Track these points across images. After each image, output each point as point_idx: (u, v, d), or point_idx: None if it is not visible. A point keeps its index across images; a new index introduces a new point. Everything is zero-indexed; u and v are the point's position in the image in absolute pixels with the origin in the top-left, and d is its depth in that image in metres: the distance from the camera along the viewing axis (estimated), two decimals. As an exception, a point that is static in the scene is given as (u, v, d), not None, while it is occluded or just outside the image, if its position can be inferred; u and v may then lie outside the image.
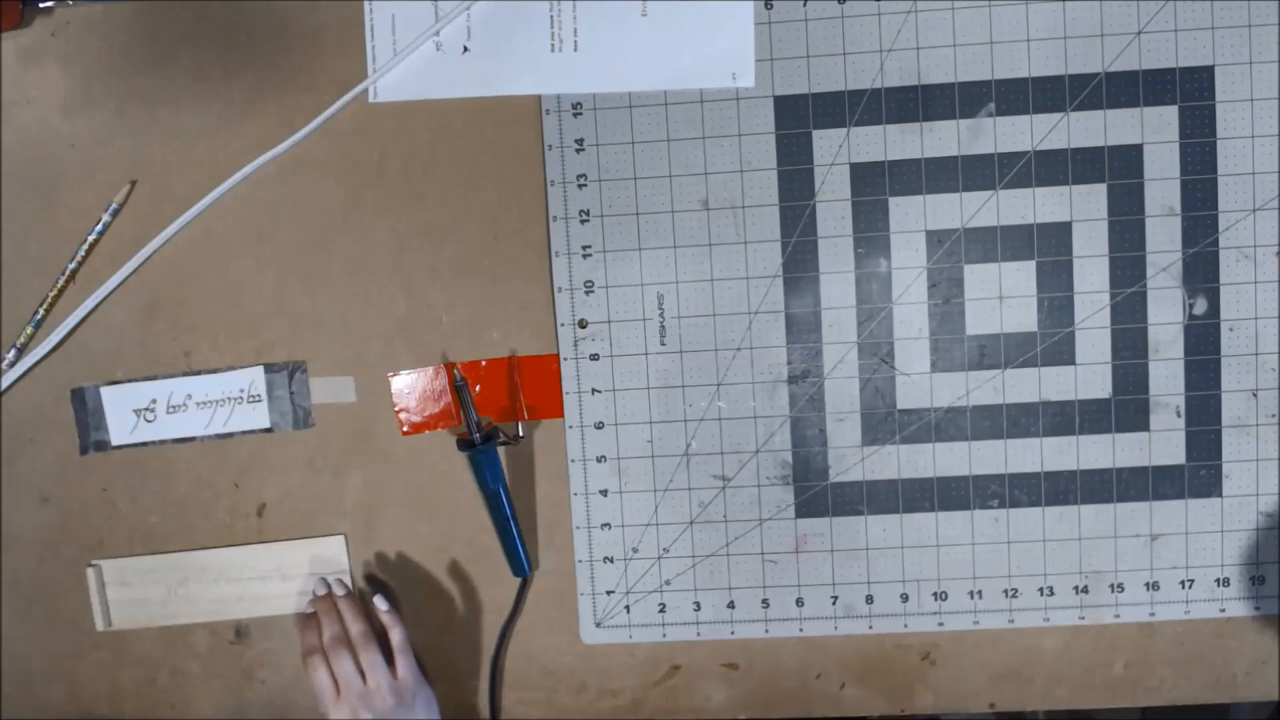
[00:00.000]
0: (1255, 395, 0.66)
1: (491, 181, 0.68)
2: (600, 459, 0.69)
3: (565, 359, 0.68)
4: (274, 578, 0.71)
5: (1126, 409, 0.66)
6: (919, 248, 0.66)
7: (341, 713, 0.64)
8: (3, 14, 0.67)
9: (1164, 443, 0.67)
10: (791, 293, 0.67)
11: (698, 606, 0.70)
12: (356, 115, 0.68)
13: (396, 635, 0.67)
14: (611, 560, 0.70)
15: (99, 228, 0.69)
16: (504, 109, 0.67)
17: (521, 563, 0.69)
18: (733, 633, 0.70)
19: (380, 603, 0.68)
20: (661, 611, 0.70)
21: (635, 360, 0.68)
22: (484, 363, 0.69)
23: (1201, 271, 0.65)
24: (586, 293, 0.68)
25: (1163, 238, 0.65)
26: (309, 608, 0.69)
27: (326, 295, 0.69)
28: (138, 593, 0.71)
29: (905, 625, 0.69)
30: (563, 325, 0.68)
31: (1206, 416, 0.66)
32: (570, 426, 0.69)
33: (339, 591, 0.69)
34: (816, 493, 0.68)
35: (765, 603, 0.69)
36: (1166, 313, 0.66)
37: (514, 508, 0.68)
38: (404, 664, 0.67)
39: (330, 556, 0.70)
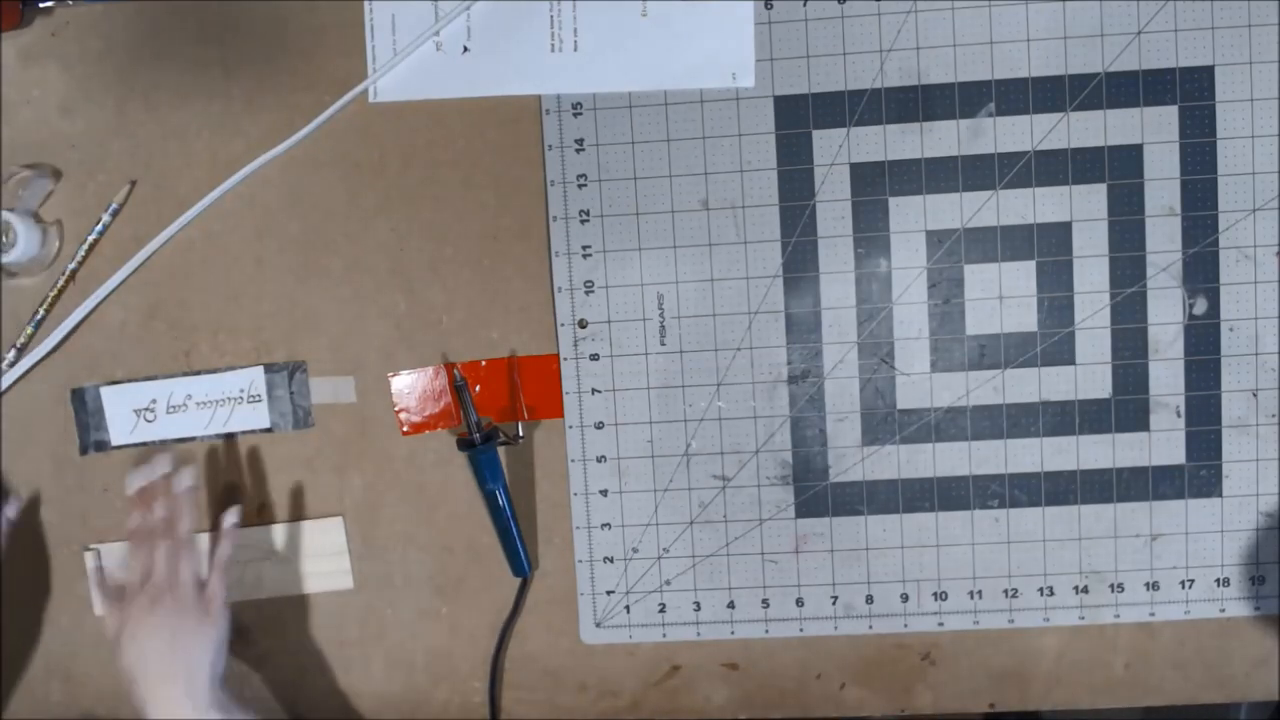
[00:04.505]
0: (1255, 395, 0.66)
1: (491, 181, 0.68)
2: (600, 459, 0.69)
3: (565, 359, 0.68)
4: (272, 559, 0.71)
5: (1126, 409, 0.66)
6: (919, 248, 0.66)
7: (140, 602, 0.61)
8: (3, 14, 0.67)
9: (1164, 443, 0.67)
10: (791, 293, 0.67)
11: (698, 606, 0.70)
12: (356, 115, 0.68)
13: (224, 551, 0.65)
14: (611, 560, 0.70)
15: (99, 228, 0.69)
16: (504, 109, 0.67)
17: (521, 563, 0.69)
18: (733, 633, 0.70)
19: (231, 515, 0.66)
20: (661, 611, 0.70)
21: (635, 360, 0.68)
22: (484, 363, 0.69)
23: (1201, 271, 0.65)
24: (586, 293, 0.68)
25: (1163, 238, 0.65)
26: (139, 479, 0.65)
27: (326, 295, 0.69)
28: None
29: (905, 625, 0.69)
30: (563, 325, 0.68)
31: (1206, 416, 0.66)
32: (570, 426, 0.69)
33: (186, 483, 0.65)
34: (816, 493, 0.68)
35: (765, 603, 0.69)
36: (1166, 313, 0.66)
37: (514, 508, 0.68)
38: (217, 581, 0.63)
39: (329, 537, 0.70)
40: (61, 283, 0.69)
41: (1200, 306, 0.66)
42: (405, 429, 0.70)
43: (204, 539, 0.68)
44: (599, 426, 0.69)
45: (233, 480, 0.71)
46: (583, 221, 0.68)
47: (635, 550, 0.69)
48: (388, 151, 0.68)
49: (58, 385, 0.71)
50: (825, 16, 0.65)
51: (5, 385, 0.70)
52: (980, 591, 0.68)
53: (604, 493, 0.69)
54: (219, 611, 0.63)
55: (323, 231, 0.69)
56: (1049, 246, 0.66)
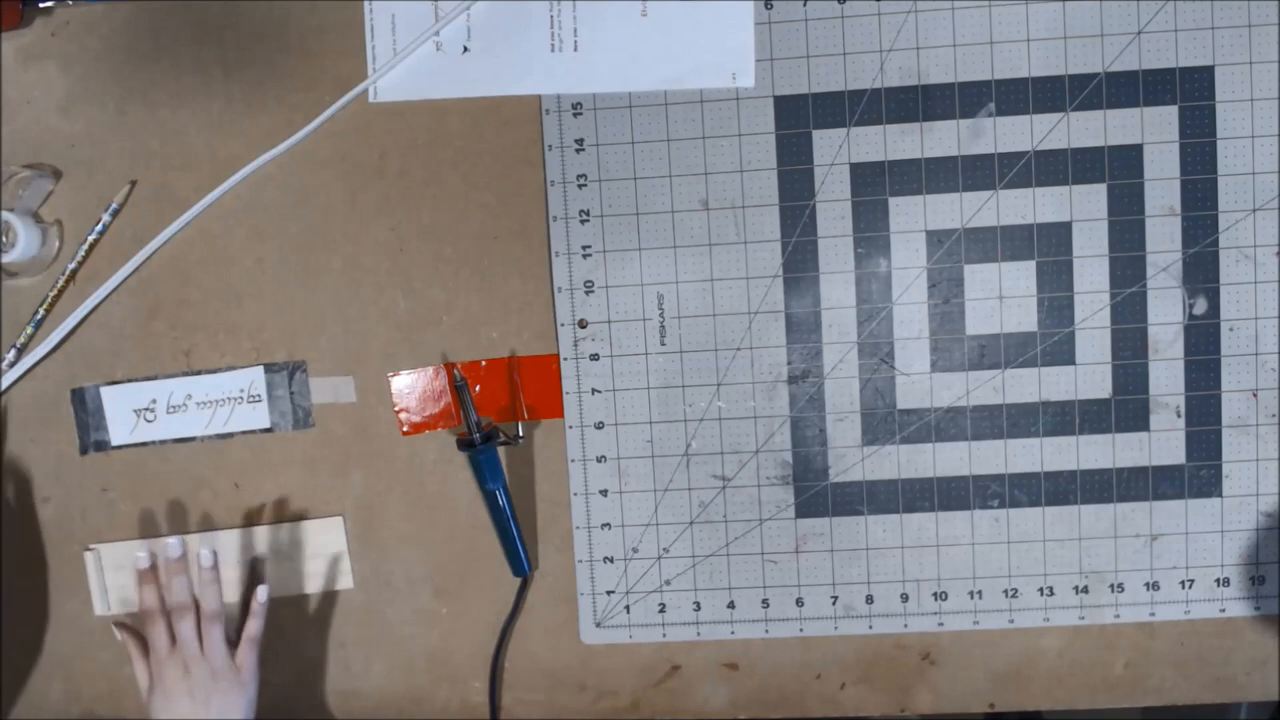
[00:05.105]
0: (1255, 395, 0.66)
1: (491, 181, 0.68)
2: (600, 459, 0.69)
3: (565, 359, 0.68)
4: (272, 559, 0.71)
5: (1126, 409, 0.66)
6: (919, 248, 0.66)
7: (171, 668, 0.63)
8: (3, 14, 0.67)
9: (1164, 443, 0.67)
10: (791, 293, 0.67)
11: (698, 606, 0.70)
12: (356, 115, 0.68)
13: (254, 626, 0.66)
14: (611, 560, 0.70)
15: (99, 228, 0.69)
16: (504, 109, 0.67)
17: (521, 563, 0.69)
18: (733, 633, 0.70)
19: (261, 594, 0.66)
20: (661, 611, 0.70)
21: (635, 360, 0.68)
22: (484, 363, 0.69)
23: (1201, 271, 0.65)
24: (586, 293, 0.68)
25: (1163, 238, 0.65)
26: (144, 563, 0.66)
27: (326, 295, 0.69)
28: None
29: (905, 625, 0.69)
30: (563, 325, 0.68)
31: (1206, 416, 0.66)
32: (570, 426, 0.69)
33: (205, 563, 0.66)
34: (816, 493, 0.68)
35: (765, 603, 0.69)
36: (1166, 313, 0.66)
37: (514, 508, 0.68)
38: (247, 653, 0.65)
39: (329, 537, 0.70)
40: (61, 283, 0.69)
41: (1200, 306, 0.66)
42: (405, 429, 0.70)
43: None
44: (599, 426, 0.69)
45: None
46: (583, 221, 0.68)
47: (635, 550, 0.69)
48: (388, 151, 0.68)
49: (58, 385, 0.71)
50: (825, 16, 0.65)
51: (5, 385, 0.70)
52: (980, 591, 0.68)
53: (604, 493, 0.69)
54: (249, 678, 0.65)
55: (323, 231, 0.69)
56: (1049, 246, 0.66)
